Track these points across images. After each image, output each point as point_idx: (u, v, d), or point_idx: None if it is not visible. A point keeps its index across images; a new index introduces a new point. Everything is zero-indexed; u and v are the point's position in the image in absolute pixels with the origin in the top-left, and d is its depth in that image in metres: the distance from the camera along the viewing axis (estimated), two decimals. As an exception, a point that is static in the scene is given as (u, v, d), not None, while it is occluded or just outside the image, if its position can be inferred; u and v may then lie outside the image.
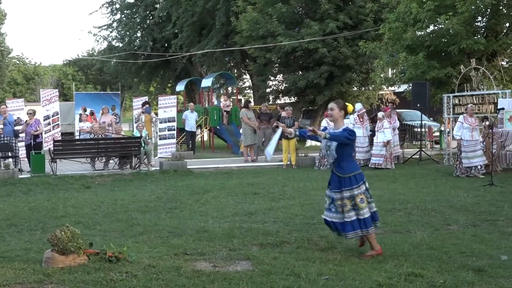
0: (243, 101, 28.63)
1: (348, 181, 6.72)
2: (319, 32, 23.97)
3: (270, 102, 29.65)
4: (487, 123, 15.87)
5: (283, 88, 28.38)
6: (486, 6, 19.57)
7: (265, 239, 7.54)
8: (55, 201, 11.50)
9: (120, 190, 13.24)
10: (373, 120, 19.35)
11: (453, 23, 18.51)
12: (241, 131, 21.23)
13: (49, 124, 21.38)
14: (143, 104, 20.62)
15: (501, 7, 20.20)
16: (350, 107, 6.96)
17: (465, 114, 15.44)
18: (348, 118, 17.89)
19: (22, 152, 18.36)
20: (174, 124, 22.55)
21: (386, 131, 17.26)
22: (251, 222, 8.75)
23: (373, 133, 18.09)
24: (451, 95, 19.19)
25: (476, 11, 19.46)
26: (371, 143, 17.88)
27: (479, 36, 20.06)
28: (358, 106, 18.76)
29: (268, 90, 29.40)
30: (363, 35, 24.42)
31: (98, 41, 39.73)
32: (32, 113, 17.28)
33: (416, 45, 19.98)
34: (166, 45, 36.73)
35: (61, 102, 29.88)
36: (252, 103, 30.71)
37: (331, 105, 6.91)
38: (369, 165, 17.30)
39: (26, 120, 17.27)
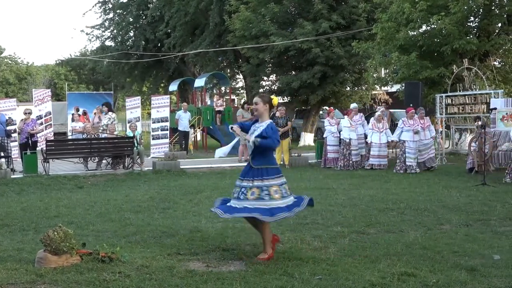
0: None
1: (259, 172, 6.56)
2: (312, 32, 23.98)
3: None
4: (480, 123, 15.92)
5: (276, 88, 28.38)
6: (478, 6, 19.64)
7: (258, 239, 7.51)
8: (48, 201, 11.47)
9: (113, 190, 13.22)
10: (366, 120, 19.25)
11: (445, 23, 18.56)
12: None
13: (41, 124, 21.31)
14: (103, 105, 20.45)
15: (493, 7, 20.28)
16: (275, 100, 6.80)
17: None
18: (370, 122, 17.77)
19: (15, 152, 18.29)
20: (167, 124, 22.52)
21: (388, 132, 17.30)
22: (244, 222, 8.73)
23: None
24: (443, 95, 19.26)
25: (468, 11, 19.53)
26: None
27: (471, 36, 20.12)
28: (380, 108, 18.57)
29: (261, 90, 29.38)
30: (356, 35, 24.44)
31: (90, 40, 39.69)
32: (29, 113, 17.31)
33: (409, 45, 20.03)
34: (159, 45, 36.69)
35: (53, 102, 29.77)
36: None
37: (256, 99, 6.80)
38: (372, 167, 17.12)
39: (22, 119, 17.24)
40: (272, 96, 6.92)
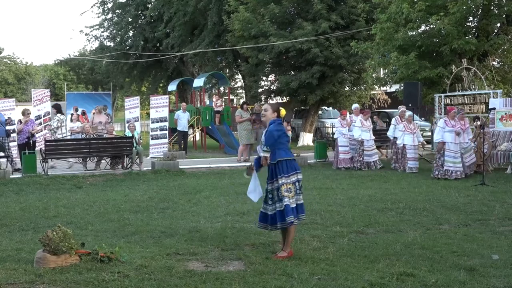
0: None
1: (277, 168, 6.76)
2: (311, 32, 23.97)
3: (262, 102, 29.68)
4: (479, 123, 15.91)
5: (275, 88, 28.38)
6: (477, 7, 19.63)
7: (257, 239, 7.55)
8: (47, 201, 11.46)
9: (112, 190, 13.21)
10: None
11: (444, 23, 18.56)
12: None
13: (40, 124, 21.29)
14: (52, 107, 20.08)
15: (492, 8, 20.26)
16: (282, 111, 7.09)
17: None
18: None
19: (14, 152, 18.28)
20: (166, 124, 22.49)
21: (418, 133, 16.85)
22: (243, 222, 8.75)
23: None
24: (442, 95, 19.27)
25: (467, 11, 19.51)
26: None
27: (470, 36, 20.10)
28: (402, 107, 17.90)
29: (260, 90, 29.38)
30: (355, 35, 24.43)
31: (89, 40, 39.62)
32: (28, 113, 17.27)
33: (408, 45, 20.02)
34: (157, 44, 36.67)
35: (52, 102, 29.71)
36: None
37: (265, 106, 7.11)
38: (407, 171, 16.25)
39: (21, 120, 17.22)
40: (281, 108, 7.15)
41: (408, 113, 17.16)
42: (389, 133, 17.45)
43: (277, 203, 6.73)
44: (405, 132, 16.64)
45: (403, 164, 16.57)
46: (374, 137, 17.87)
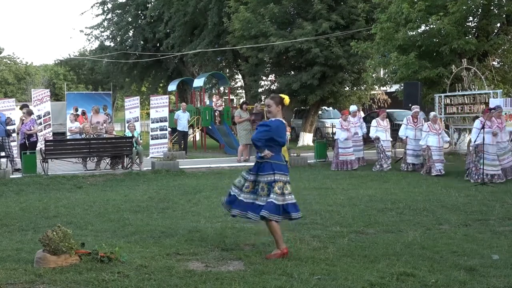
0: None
1: (266, 166, 6.71)
2: (311, 32, 23.95)
3: (262, 102, 29.66)
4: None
5: (275, 88, 28.37)
6: (477, 6, 19.63)
7: (257, 239, 7.55)
8: (47, 201, 11.46)
9: (112, 190, 13.21)
10: (365, 120, 19.10)
11: (444, 23, 18.56)
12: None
13: (40, 124, 21.28)
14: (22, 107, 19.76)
15: (492, 7, 20.26)
16: (286, 100, 6.85)
17: None
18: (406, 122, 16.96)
19: (15, 152, 18.29)
20: (166, 124, 22.48)
21: (444, 133, 16.27)
22: (243, 222, 8.74)
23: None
24: (442, 95, 19.27)
25: (467, 11, 19.51)
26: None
27: (470, 36, 20.11)
28: (416, 108, 17.16)
29: (260, 90, 29.37)
30: (355, 35, 24.42)
31: (89, 40, 39.65)
32: (27, 113, 17.15)
33: (408, 45, 20.02)
34: (157, 44, 36.68)
35: (52, 102, 29.74)
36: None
37: (268, 101, 6.89)
38: (433, 173, 15.37)
39: (21, 118, 17.18)
40: (283, 95, 6.90)
41: (433, 113, 16.56)
42: (401, 133, 17.07)
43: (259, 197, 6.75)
44: (429, 132, 15.78)
45: (429, 166, 15.70)
46: (391, 139, 17.65)
